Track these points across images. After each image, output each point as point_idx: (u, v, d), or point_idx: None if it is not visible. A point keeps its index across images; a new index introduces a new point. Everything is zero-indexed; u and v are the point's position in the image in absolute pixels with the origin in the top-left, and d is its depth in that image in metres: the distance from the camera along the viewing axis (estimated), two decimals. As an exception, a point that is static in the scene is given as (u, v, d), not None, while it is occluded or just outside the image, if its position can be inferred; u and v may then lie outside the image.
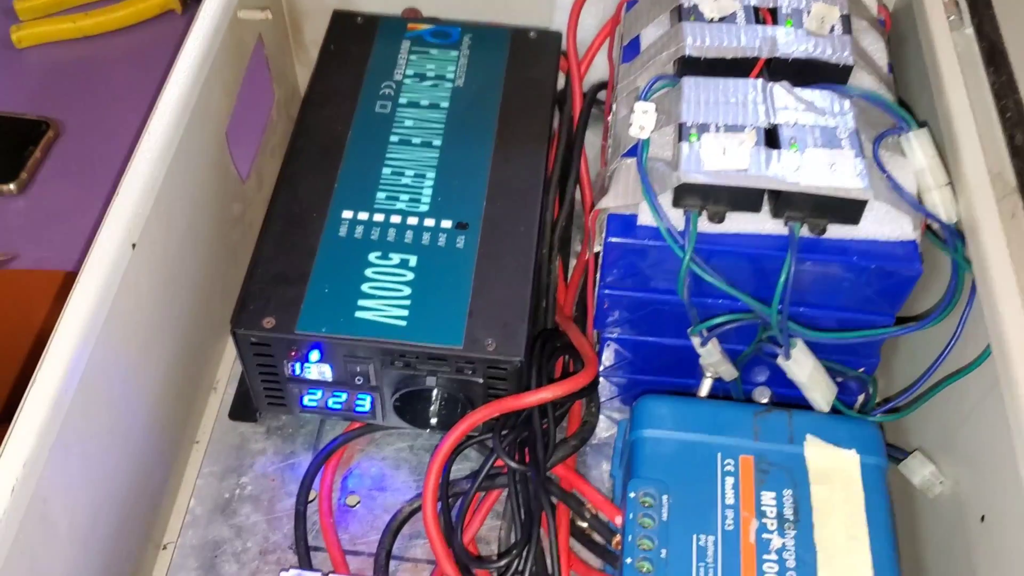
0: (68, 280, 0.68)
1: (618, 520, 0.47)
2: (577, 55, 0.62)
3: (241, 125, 0.60)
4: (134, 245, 0.45)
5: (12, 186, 0.70)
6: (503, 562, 0.47)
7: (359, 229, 0.52)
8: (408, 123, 0.57)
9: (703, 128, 0.45)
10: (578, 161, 0.60)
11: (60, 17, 0.79)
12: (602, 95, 0.64)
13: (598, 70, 0.65)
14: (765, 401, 0.51)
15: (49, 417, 0.39)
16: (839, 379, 0.50)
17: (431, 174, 0.55)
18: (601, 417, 0.55)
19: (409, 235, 0.52)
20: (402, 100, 0.58)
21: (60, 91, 0.77)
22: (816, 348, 0.48)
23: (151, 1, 0.80)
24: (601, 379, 0.54)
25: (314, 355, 0.50)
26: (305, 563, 0.50)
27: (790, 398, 0.50)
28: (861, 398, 0.53)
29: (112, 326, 0.43)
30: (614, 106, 0.52)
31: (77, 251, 0.68)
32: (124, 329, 0.45)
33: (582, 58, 0.62)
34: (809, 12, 0.49)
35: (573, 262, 0.62)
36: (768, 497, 0.46)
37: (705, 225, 0.45)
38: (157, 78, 0.77)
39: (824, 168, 0.43)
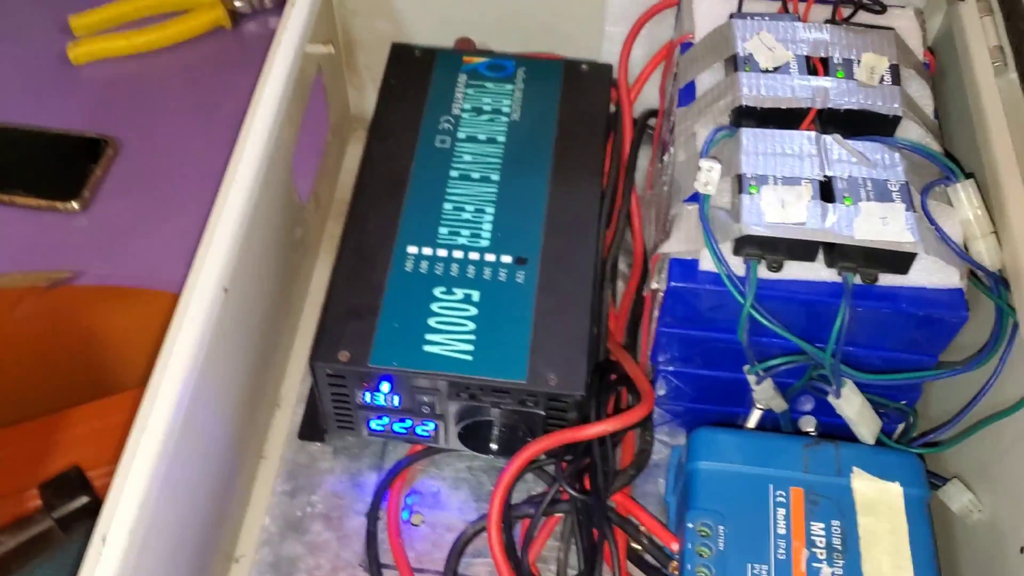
0: (139, 296, 0.70)
1: (674, 546, 0.50)
2: (628, 85, 0.64)
3: (299, 149, 0.62)
4: (226, 290, 0.47)
5: (75, 204, 0.73)
6: (567, 587, 0.50)
7: (424, 264, 0.55)
8: (467, 157, 0.59)
9: (762, 180, 0.47)
10: (629, 189, 0.63)
11: (114, 34, 0.82)
12: (651, 121, 0.67)
13: (645, 99, 0.67)
14: (811, 429, 0.54)
15: (156, 463, 0.42)
16: (881, 410, 0.53)
17: (490, 209, 0.57)
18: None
19: (471, 270, 0.55)
20: (460, 134, 0.60)
21: (115, 108, 0.79)
22: (860, 382, 0.51)
23: (202, 18, 0.82)
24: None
25: (384, 386, 0.53)
26: (377, 581, 0.53)
27: (834, 426, 0.53)
28: (901, 427, 0.55)
29: (205, 364, 0.46)
30: (671, 148, 0.54)
31: (141, 267, 0.71)
32: (214, 364, 0.48)
33: (632, 86, 0.65)
34: (859, 62, 0.51)
35: (620, 285, 0.65)
36: (818, 528, 0.48)
37: (763, 272, 0.47)
38: (209, 94, 0.80)
39: (876, 222, 0.46)
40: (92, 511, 0.70)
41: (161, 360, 0.45)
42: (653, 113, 0.67)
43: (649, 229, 0.63)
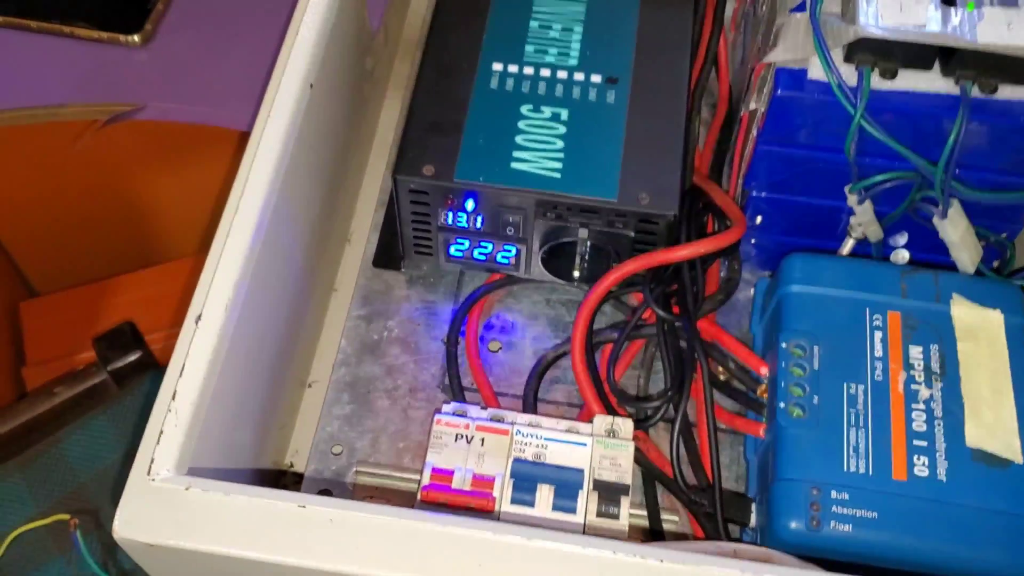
0: (199, 132, 0.69)
1: (762, 370, 0.49)
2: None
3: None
4: (312, 85, 0.46)
5: (136, 37, 0.71)
6: (654, 404, 0.49)
7: (509, 82, 0.53)
8: (553, -24, 0.57)
9: (880, -18, 0.44)
10: (719, 23, 0.60)
11: None
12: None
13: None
14: (905, 262, 0.53)
15: (247, 253, 0.41)
16: (980, 243, 0.51)
17: (578, 27, 0.55)
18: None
19: (559, 89, 0.53)
20: (546, -47, 0.58)
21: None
22: (969, 201, 0.48)
23: None
24: (738, 239, 0.56)
25: (469, 204, 0.51)
26: (459, 398, 0.52)
27: (927, 263, 0.51)
28: (997, 263, 0.54)
29: (290, 166, 0.45)
30: (775, -39, 0.51)
31: (202, 102, 0.69)
32: (296, 171, 0.47)
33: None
34: None
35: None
36: (916, 351, 0.47)
37: (875, 82, 0.45)
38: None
39: (1001, 26, 0.43)
40: (146, 367, 0.70)
41: (248, 153, 0.44)
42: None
43: (734, 68, 0.61)
